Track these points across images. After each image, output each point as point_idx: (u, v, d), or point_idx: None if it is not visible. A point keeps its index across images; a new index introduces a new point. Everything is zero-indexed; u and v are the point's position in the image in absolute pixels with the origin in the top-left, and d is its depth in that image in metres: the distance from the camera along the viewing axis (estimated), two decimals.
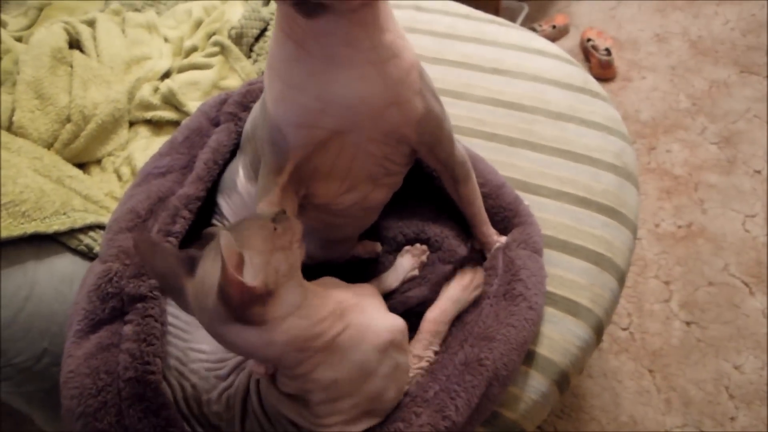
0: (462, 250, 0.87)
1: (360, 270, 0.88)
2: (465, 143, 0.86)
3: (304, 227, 0.62)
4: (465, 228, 0.89)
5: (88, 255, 0.91)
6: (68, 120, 1.11)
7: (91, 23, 1.28)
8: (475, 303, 0.78)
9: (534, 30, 2.07)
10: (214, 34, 1.30)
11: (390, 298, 0.83)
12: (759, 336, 1.32)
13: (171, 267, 0.56)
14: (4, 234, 0.82)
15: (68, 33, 1.21)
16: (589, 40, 2.00)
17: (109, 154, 1.16)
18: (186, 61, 1.27)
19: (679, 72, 1.92)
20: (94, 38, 1.25)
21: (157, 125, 1.21)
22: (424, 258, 0.87)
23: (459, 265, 0.79)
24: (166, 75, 1.27)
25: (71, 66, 1.16)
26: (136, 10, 1.44)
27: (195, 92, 1.20)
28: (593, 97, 1.09)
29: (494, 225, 0.87)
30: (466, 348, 0.72)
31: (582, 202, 0.93)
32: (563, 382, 0.81)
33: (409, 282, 0.86)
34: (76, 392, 0.67)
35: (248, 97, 0.94)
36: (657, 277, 1.45)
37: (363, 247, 0.90)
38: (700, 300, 1.40)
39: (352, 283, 0.71)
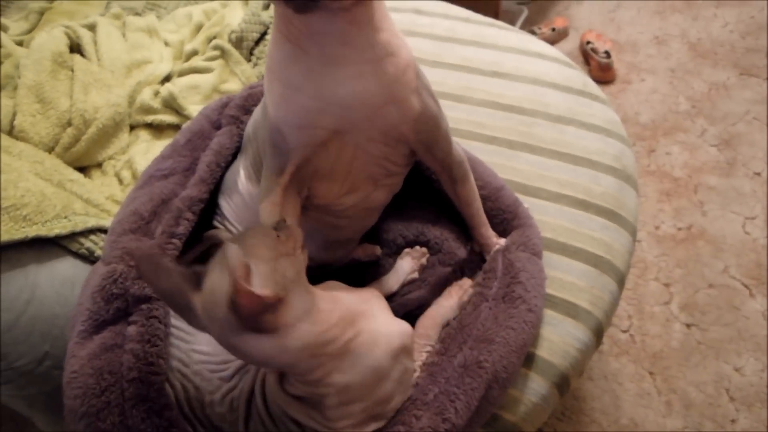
0: (462, 252, 0.87)
1: (360, 273, 0.89)
2: (465, 146, 0.87)
3: (305, 228, 0.63)
4: (465, 230, 0.89)
5: (89, 258, 0.91)
6: (69, 124, 1.11)
7: (91, 27, 1.28)
8: (474, 305, 0.78)
9: (533, 33, 2.08)
10: (214, 37, 1.30)
11: (390, 301, 0.83)
12: (759, 338, 1.32)
13: (176, 285, 0.57)
14: (6, 238, 0.82)
15: (69, 37, 1.21)
16: (588, 42, 2.00)
17: (110, 158, 1.16)
18: (186, 65, 1.27)
19: (678, 74, 1.93)
20: (95, 42, 1.25)
21: (157, 129, 1.21)
22: (423, 261, 0.88)
23: (459, 270, 0.80)
24: (167, 79, 1.27)
25: (72, 70, 1.17)
26: (137, 14, 1.44)
27: (195, 96, 1.21)
28: (592, 100, 1.09)
29: (493, 227, 0.87)
30: (465, 350, 0.72)
31: (581, 205, 0.93)
32: (563, 384, 0.81)
33: (408, 285, 0.86)
34: (79, 392, 0.68)
35: (250, 100, 0.95)
36: (657, 279, 1.45)
37: (363, 250, 0.90)
38: (701, 302, 1.40)
39: (356, 287, 0.71)
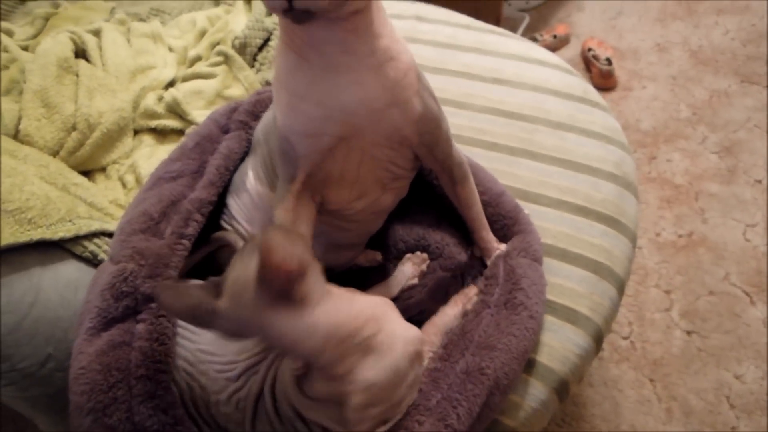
0: (462, 257, 0.88)
1: (361, 278, 0.89)
2: (466, 152, 0.87)
3: (313, 231, 0.64)
4: (465, 235, 0.89)
5: (93, 261, 0.92)
6: (74, 128, 1.12)
7: (96, 33, 1.29)
8: (476, 312, 0.78)
9: (535, 40, 2.09)
10: (218, 43, 1.31)
11: None
12: (760, 345, 1.32)
13: (198, 297, 0.57)
14: (11, 240, 0.83)
15: (74, 42, 1.22)
16: (590, 49, 2.01)
17: (114, 162, 1.17)
18: (190, 71, 1.28)
19: (679, 82, 1.93)
20: (100, 48, 1.26)
21: (161, 134, 1.22)
22: (424, 267, 0.88)
23: (459, 275, 0.80)
24: (171, 84, 1.28)
25: (77, 75, 1.18)
26: (141, 20, 1.46)
27: (199, 101, 1.22)
28: (593, 107, 1.10)
29: (494, 233, 0.88)
30: (467, 357, 0.73)
31: (581, 211, 0.94)
32: (562, 390, 0.81)
33: (409, 290, 0.87)
34: (86, 388, 0.68)
35: (258, 106, 0.96)
36: (658, 286, 1.45)
37: (364, 256, 0.91)
38: (701, 309, 1.40)
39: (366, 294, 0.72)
